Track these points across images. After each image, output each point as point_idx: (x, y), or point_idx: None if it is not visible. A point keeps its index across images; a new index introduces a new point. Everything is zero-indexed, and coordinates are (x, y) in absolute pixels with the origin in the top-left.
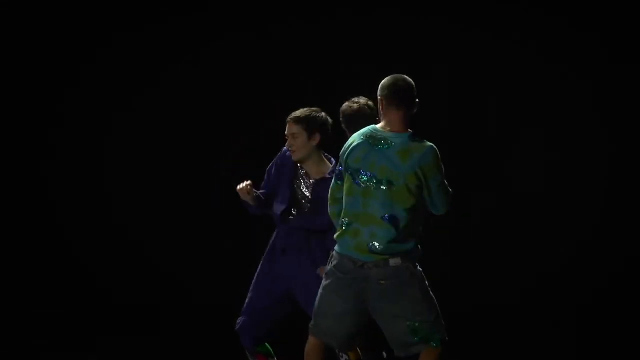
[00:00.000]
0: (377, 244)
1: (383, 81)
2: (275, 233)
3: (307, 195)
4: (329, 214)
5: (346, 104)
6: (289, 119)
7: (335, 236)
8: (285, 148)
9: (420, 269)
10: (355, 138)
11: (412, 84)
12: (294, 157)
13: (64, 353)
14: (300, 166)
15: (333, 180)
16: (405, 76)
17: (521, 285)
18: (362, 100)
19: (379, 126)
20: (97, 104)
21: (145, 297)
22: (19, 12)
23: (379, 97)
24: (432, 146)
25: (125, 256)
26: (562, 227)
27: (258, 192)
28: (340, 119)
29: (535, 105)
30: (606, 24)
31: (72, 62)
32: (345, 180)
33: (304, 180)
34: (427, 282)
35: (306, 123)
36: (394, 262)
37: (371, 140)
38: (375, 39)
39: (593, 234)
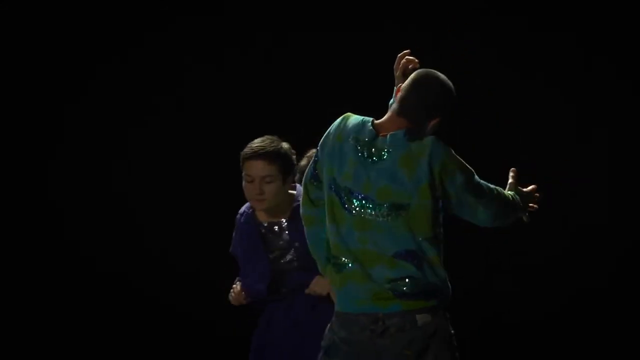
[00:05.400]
0: (401, 285)
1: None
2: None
3: (288, 255)
4: (301, 215)
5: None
6: (253, 154)
7: (333, 287)
8: (243, 210)
9: (452, 330)
10: (343, 136)
11: (436, 82)
12: (261, 206)
13: (64, 353)
14: (256, 218)
15: (305, 180)
16: (440, 76)
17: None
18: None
19: (376, 121)
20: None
21: (146, 294)
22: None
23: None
24: (434, 138)
25: (126, 254)
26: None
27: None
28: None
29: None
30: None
31: (88, 61)
32: (328, 199)
33: (270, 233)
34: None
35: (281, 162)
36: (422, 319)
37: (360, 145)
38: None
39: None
